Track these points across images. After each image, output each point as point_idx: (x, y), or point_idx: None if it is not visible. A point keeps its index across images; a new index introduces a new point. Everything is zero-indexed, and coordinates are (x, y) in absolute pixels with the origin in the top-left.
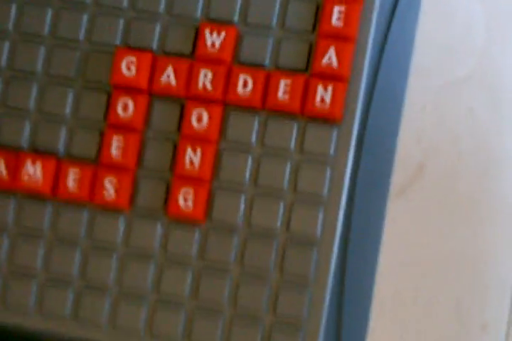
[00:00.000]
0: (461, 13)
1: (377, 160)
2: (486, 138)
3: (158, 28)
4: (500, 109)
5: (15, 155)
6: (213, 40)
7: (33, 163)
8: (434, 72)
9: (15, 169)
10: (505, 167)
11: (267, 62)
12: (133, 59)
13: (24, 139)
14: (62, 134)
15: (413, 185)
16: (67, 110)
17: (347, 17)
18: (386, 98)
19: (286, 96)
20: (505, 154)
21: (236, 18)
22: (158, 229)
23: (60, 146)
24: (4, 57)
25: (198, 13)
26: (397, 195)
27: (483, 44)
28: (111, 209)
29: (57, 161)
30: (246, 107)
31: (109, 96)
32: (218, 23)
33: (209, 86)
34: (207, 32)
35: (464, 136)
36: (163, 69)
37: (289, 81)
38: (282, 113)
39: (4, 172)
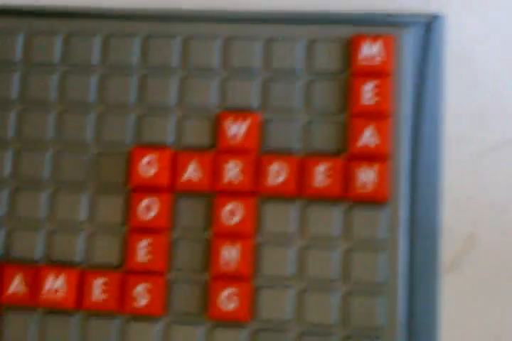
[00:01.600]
0: (489, 77)
1: (425, 236)
2: None
3: (172, 122)
4: None
5: (34, 269)
6: (236, 129)
7: (56, 276)
8: (468, 139)
9: (35, 284)
10: None
11: (296, 147)
12: (152, 158)
13: (38, 251)
14: (81, 242)
15: (465, 258)
16: (83, 216)
17: (380, 93)
18: (426, 170)
19: (325, 182)
20: None
21: (257, 103)
22: (199, 334)
23: (79, 255)
24: (8, 165)
25: (214, 103)
26: (448, 270)
27: None
28: (143, 318)
29: (81, 272)
30: (279, 197)
31: (127, 198)
32: (237, 111)
33: (237, 178)
34: (228, 122)
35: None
36: (185, 165)
37: (325, 166)
38: (321, 198)
39: (23, 288)
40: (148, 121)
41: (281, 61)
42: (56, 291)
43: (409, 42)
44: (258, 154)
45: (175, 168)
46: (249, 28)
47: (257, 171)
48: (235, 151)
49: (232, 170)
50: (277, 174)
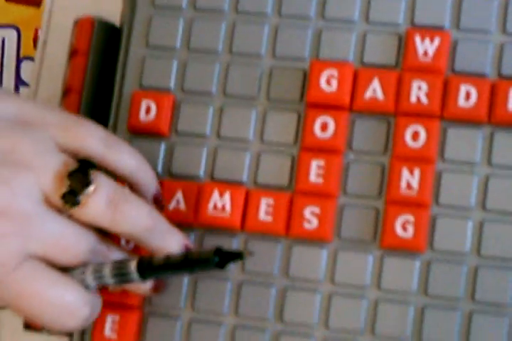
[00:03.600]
0: None
1: None
2: None
3: (353, 37)
4: None
5: (196, 185)
6: (425, 47)
7: (221, 194)
8: None
9: (196, 201)
10: None
11: (487, 70)
12: (333, 72)
13: (201, 168)
14: (247, 161)
15: None
16: (251, 134)
17: None
18: None
19: None
20: None
21: (447, 22)
22: (369, 262)
23: (245, 175)
24: (173, 76)
25: (401, 19)
26: None
27: None
28: (310, 242)
29: (247, 191)
30: (465, 122)
31: (300, 115)
32: (426, 28)
33: (424, 99)
34: (417, 39)
35: None
36: (368, 83)
37: None
38: (510, 126)
39: (183, 204)
40: (328, 35)
41: None
42: (221, 210)
43: None
44: (446, 75)
45: (356, 85)
46: None
47: (445, 93)
48: (422, 71)
49: (418, 91)
50: (467, 97)
